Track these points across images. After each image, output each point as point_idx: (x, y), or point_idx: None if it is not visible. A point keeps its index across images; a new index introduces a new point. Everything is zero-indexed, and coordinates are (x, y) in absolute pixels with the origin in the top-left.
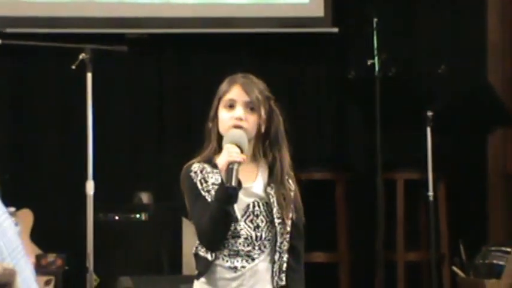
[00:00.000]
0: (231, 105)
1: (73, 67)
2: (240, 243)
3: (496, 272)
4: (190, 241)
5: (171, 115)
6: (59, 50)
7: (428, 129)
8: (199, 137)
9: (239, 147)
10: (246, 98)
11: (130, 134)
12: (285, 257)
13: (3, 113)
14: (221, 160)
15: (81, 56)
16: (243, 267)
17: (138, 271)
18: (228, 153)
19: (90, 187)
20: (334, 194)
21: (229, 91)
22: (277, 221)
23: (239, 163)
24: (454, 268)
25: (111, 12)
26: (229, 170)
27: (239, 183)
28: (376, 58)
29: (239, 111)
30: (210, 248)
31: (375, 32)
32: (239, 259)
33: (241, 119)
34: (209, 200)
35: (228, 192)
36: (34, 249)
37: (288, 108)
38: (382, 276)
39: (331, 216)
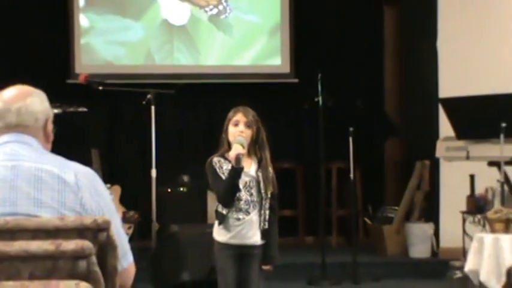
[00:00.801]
0: (236, 124)
1: (143, 102)
2: (242, 204)
3: (389, 221)
4: (212, 203)
5: (200, 130)
6: (135, 93)
7: (351, 138)
8: (216, 143)
9: (242, 145)
10: (245, 120)
11: (178, 141)
12: (267, 212)
13: (102, 129)
14: (232, 153)
15: (148, 96)
16: (244, 218)
17: (181, 221)
18: (236, 149)
19: (153, 173)
20: (296, 177)
21: (235, 115)
22: (262, 191)
23: (242, 154)
24: (366, 219)
25: (165, 70)
26: (237, 158)
27: (242, 167)
28: (320, 96)
29: (241, 127)
30: (225, 206)
31: (319, 81)
32: (241, 213)
33: (242, 132)
34: (223, 178)
35: (237, 171)
36: (121, 208)
37: (268, 125)
38: (323, 224)
39: (293, 189)
